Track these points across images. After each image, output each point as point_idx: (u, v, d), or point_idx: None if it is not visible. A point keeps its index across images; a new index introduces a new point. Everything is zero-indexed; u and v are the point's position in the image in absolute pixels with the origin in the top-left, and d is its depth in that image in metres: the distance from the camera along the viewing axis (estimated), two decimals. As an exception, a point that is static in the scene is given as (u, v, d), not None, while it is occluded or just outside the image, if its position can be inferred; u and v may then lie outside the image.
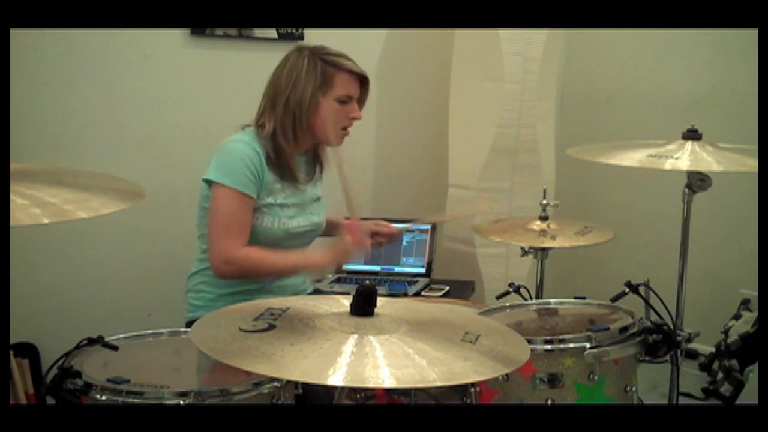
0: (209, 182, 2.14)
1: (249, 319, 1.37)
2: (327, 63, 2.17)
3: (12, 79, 2.49)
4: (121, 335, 1.75)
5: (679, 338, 1.91)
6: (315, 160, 2.34)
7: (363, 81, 2.24)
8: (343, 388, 1.61)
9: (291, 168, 2.20)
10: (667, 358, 1.89)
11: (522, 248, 2.35)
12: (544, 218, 2.39)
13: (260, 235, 2.16)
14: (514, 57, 3.13)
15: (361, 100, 2.26)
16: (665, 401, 2.11)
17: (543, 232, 2.36)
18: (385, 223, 2.41)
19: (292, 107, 2.15)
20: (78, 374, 1.49)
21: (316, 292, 2.49)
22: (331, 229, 2.47)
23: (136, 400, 1.46)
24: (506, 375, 1.71)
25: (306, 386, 1.60)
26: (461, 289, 2.88)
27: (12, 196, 1.24)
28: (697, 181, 2.09)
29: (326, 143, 2.27)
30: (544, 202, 2.40)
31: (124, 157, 2.87)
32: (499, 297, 2.27)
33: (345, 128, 2.23)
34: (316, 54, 2.17)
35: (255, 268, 2.13)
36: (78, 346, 1.58)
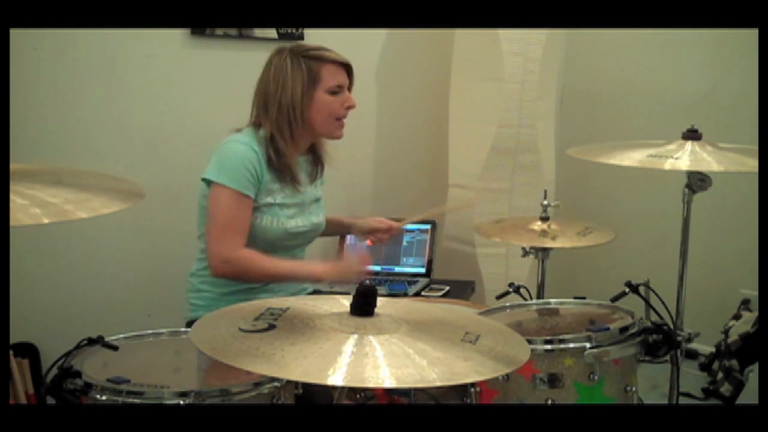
0: (208, 182, 2.14)
1: (249, 319, 1.37)
2: (310, 58, 2.18)
3: (12, 79, 2.48)
4: (121, 335, 1.74)
5: (679, 338, 1.91)
6: (316, 161, 2.35)
7: (348, 69, 2.26)
8: (343, 388, 1.61)
9: (292, 170, 2.20)
10: (667, 358, 1.89)
11: (523, 248, 2.36)
12: (544, 219, 2.39)
13: (259, 235, 2.16)
14: (514, 57, 3.13)
15: (350, 88, 2.28)
16: (665, 401, 2.11)
17: (544, 233, 2.36)
18: (387, 220, 2.44)
19: (285, 109, 2.16)
20: (78, 374, 1.49)
21: (316, 292, 2.49)
22: (334, 227, 2.48)
23: (136, 400, 1.46)
24: (506, 375, 1.71)
25: (305, 386, 1.61)
26: (461, 289, 2.88)
27: (12, 196, 1.24)
28: (697, 181, 2.09)
29: (327, 137, 2.28)
30: (545, 202, 2.40)
31: (125, 157, 2.87)
32: (499, 297, 2.27)
33: (340, 119, 2.24)
34: (297, 52, 2.19)
35: (252, 270, 2.13)
36: (78, 346, 1.58)
